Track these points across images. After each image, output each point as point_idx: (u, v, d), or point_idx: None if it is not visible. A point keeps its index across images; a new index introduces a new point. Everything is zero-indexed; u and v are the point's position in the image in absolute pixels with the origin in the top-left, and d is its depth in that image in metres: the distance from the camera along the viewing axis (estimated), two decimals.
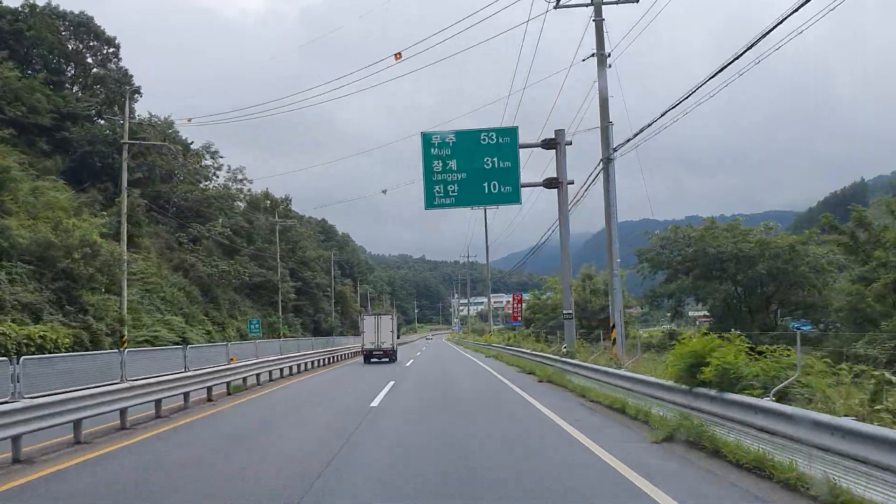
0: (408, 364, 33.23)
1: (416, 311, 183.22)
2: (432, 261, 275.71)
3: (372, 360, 35.43)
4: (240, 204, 67.62)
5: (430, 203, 21.20)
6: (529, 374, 23.86)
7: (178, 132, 62.08)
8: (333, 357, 39.52)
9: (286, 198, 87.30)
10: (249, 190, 66.28)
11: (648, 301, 31.96)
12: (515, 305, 41.47)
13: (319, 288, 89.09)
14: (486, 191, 21.00)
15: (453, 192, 21.05)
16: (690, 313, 49.53)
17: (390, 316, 38.31)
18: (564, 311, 21.51)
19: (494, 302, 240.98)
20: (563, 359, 20.30)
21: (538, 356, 24.80)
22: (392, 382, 21.22)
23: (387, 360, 35.24)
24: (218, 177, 64.44)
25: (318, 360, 34.65)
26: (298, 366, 28.73)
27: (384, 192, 30.98)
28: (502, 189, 21.03)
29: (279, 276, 64.29)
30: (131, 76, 59.88)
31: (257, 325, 27.53)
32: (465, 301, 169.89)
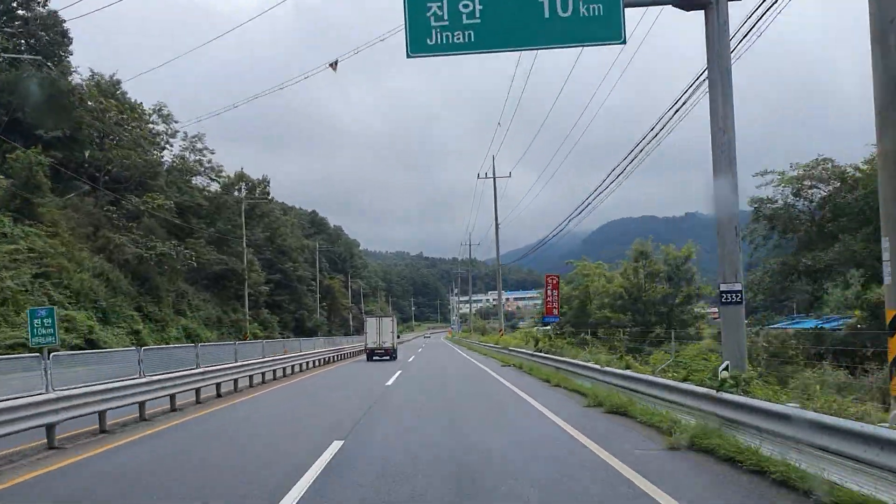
0: (389, 382, 21.14)
1: (412, 308, 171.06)
2: (430, 257, 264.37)
3: (374, 357, 37.01)
4: (203, 180, 55.45)
5: (420, 43, 9.12)
6: (616, 413, 11.86)
7: (125, 93, 50.24)
8: (291, 367, 27.52)
9: (264, 178, 75.22)
10: (210, 161, 54.15)
11: (773, 281, 19.82)
12: (549, 293, 29.01)
13: (302, 281, 77.01)
14: (547, 12, 9.02)
15: (470, 15, 9.05)
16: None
17: (391, 318, 39.80)
18: (723, 289, 9.37)
19: (494, 300, 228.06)
20: (733, 397, 8.43)
21: (625, 379, 12.77)
22: (336, 445, 9.25)
23: (388, 357, 36.72)
24: (171, 145, 52.46)
25: (260, 375, 22.72)
26: (213, 388, 16.55)
27: (333, 65, 21.10)
28: (582, 10, 9.03)
29: (245, 263, 52.21)
30: (63, 21, 47.81)
31: (49, 322, 13.28)
32: (466, 299, 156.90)
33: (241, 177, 73.63)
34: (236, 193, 74.58)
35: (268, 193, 75.66)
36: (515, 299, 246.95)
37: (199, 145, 53.26)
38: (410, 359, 37.45)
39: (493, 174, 42.94)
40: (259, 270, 58.63)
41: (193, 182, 54.60)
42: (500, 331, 42.81)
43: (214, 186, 57.55)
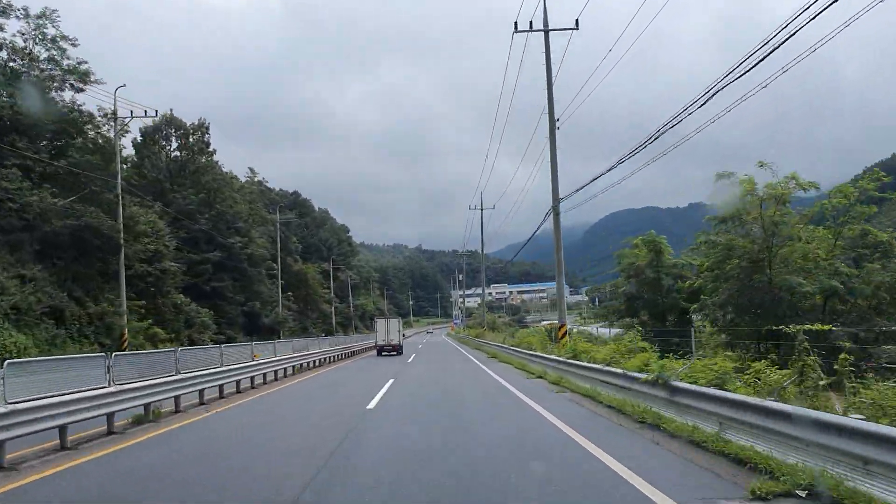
0: None
1: (410, 302, 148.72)
2: (429, 250, 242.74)
3: (383, 353, 39.23)
4: (65, 95, 33.06)
5: None
6: None
7: None
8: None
9: (201, 123, 53.06)
10: (66, 53, 31.80)
11: None
12: None
13: (255, 263, 54.90)
14: None
15: None
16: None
17: (397, 319, 42.78)
18: None
19: (497, 293, 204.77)
20: None
21: None
22: None
23: (395, 353, 38.92)
24: (2, 29, 30.45)
25: None
26: None
27: None
28: None
29: (121, 220, 30.11)
30: None
31: None
32: (471, 291, 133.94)
33: (169, 120, 51.85)
34: (163, 143, 53.03)
35: (207, 144, 53.73)
36: (520, 293, 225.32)
37: (49, 30, 31.12)
38: (383, 391, 15.69)
39: (545, 19, 20.99)
40: (161, 237, 36.64)
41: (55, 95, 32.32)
42: (562, 330, 20.81)
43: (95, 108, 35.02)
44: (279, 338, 56.21)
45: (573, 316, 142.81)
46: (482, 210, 51.12)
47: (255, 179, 66.59)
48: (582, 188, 20.37)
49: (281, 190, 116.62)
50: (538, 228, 22.38)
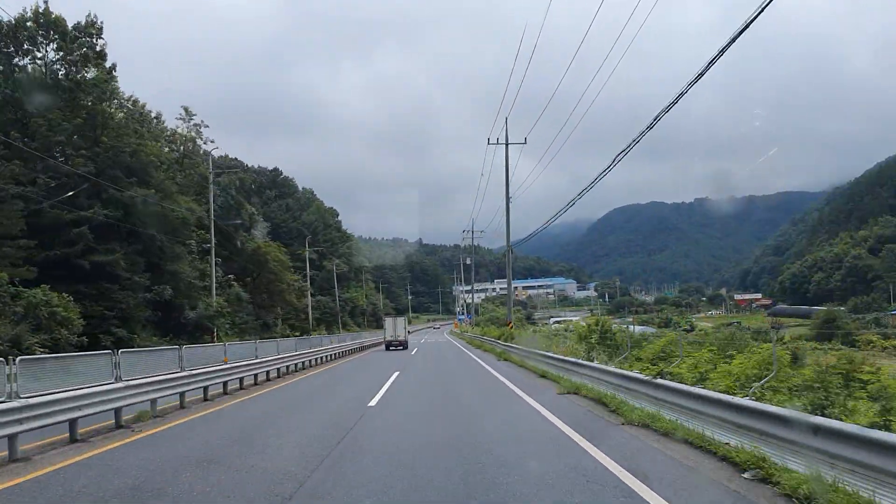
0: None
1: (409, 297, 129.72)
2: (430, 244, 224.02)
3: (391, 347, 43.02)
4: None
5: None
6: None
7: None
8: None
9: (90, 22, 34.54)
10: None
11: None
12: None
13: (171, 228, 36.36)
14: None
15: None
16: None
17: (404, 318, 48.14)
18: None
19: (501, 288, 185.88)
20: None
21: None
22: None
23: (402, 347, 42.76)
24: None
25: None
26: None
27: None
28: None
29: None
30: None
31: None
32: (468, 287, 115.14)
33: (41, 17, 33.39)
34: (26, 46, 34.53)
35: (100, 54, 35.12)
36: (525, 288, 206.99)
37: None
38: None
39: None
40: None
41: None
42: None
43: None
44: (213, 340, 37.88)
45: (583, 312, 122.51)
46: (507, 145, 32.05)
47: (192, 123, 47.16)
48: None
49: (259, 167, 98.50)
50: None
